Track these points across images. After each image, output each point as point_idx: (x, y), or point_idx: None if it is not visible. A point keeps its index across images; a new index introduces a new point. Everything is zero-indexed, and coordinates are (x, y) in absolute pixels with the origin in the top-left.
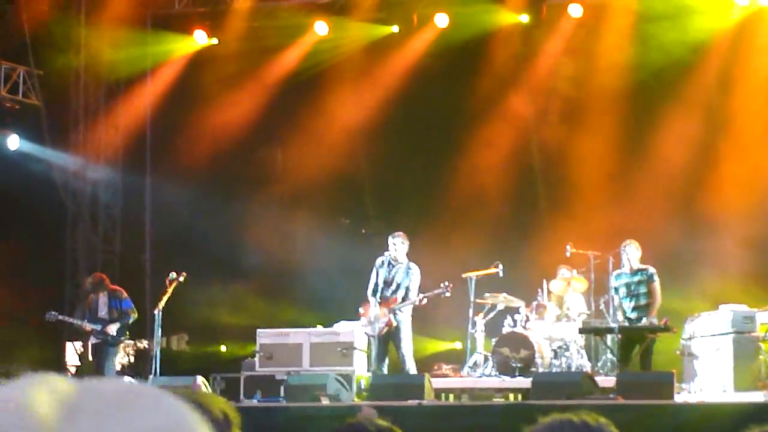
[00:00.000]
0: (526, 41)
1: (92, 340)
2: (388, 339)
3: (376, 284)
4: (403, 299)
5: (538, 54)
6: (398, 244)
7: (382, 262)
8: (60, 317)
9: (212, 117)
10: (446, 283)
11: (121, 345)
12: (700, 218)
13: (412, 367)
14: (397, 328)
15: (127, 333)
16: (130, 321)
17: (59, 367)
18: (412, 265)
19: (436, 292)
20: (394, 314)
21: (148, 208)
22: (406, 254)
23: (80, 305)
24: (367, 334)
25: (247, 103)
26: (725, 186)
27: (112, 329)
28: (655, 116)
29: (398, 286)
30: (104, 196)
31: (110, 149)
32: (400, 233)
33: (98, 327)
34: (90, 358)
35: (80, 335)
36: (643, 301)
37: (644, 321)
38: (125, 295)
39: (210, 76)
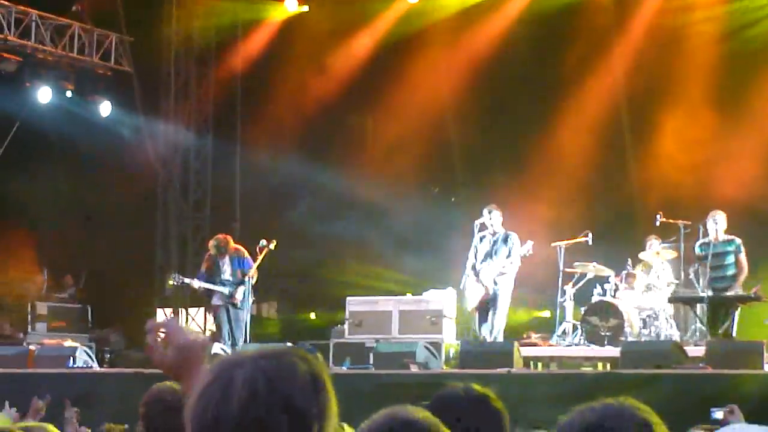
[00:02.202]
0: (617, 11)
1: (215, 302)
2: (488, 306)
3: (476, 258)
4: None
5: (627, 24)
6: (494, 216)
7: (481, 238)
8: (186, 280)
9: (302, 84)
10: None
11: (246, 309)
12: None
13: (499, 337)
14: (495, 296)
15: (251, 296)
16: (249, 283)
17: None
18: (510, 233)
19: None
20: (495, 283)
21: (238, 175)
22: (502, 224)
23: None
24: (470, 309)
25: (338, 71)
26: None
27: (238, 295)
28: (746, 86)
29: (497, 255)
30: (195, 162)
31: (201, 116)
32: (493, 204)
33: (227, 290)
34: (213, 322)
35: (171, 302)
36: (729, 272)
37: (730, 291)
38: (247, 254)
39: (300, 43)
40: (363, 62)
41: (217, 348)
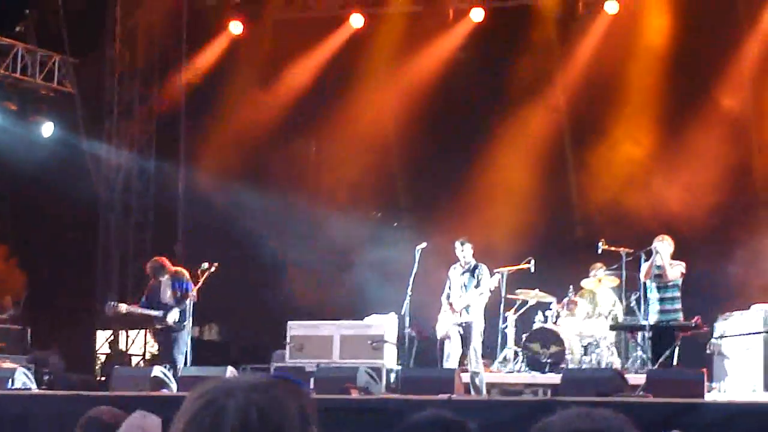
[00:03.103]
0: (561, 36)
1: (156, 324)
2: (460, 337)
3: (450, 289)
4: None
5: (572, 49)
6: (465, 248)
7: (453, 268)
8: (128, 309)
9: (247, 108)
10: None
11: (186, 330)
12: (734, 215)
13: (479, 365)
14: (468, 326)
15: (191, 318)
16: (190, 304)
17: (90, 355)
18: (480, 264)
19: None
20: (467, 313)
21: (180, 197)
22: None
23: (110, 294)
24: (439, 337)
25: (282, 95)
26: (758, 180)
27: (170, 318)
28: (689, 110)
29: (466, 287)
30: (137, 184)
31: (144, 138)
32: (464, 237)
33: (160, 314)
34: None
35: (111, 323)
36: (675, 299)
37: (675, 319)
38: (187, 275)
39: (244, 66)
40: (307, 86)
41: (157, 371)
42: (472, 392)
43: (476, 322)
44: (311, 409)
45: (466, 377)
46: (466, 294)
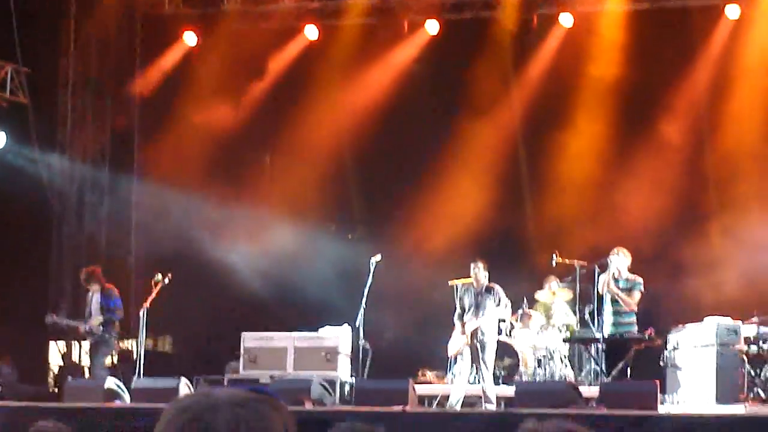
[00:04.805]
0: (516, 49)
1: (90, 340)
2: (474, 355)
3: (463, 309)
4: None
5: (527, 62)
6: (479, 270)
7: (465, 289)
8: (56, 320)
9: (200, 119)
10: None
11: (111, 343)
12: (688, 228)
13: (491, 383)
14: (483, 345)
15: (116, 331)
16: (116, 318)
17: (42, 366)
18: (494, 285)
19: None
20: (483, 333)
21: (133, 209)
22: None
23: (64, 305)
24: (450, 355)
25: (236, 106)
26: (711, 195)
27: (94, 322)
28: (643, 124)
29: (484, 308)
30: (90, 196)
31: (97, 148)
32: (479, 259)
33: (86, 326)
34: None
35: (65, 334)
36: (629, 312)
37: (629, 330)
38: (115, 293)
39: (199, 78)
40: (261, 97)
41: (110, 382)
42: (484, 405)
43: (489, 341)
44: (291, 426)
45: (420, 389)
46: (486, 314)
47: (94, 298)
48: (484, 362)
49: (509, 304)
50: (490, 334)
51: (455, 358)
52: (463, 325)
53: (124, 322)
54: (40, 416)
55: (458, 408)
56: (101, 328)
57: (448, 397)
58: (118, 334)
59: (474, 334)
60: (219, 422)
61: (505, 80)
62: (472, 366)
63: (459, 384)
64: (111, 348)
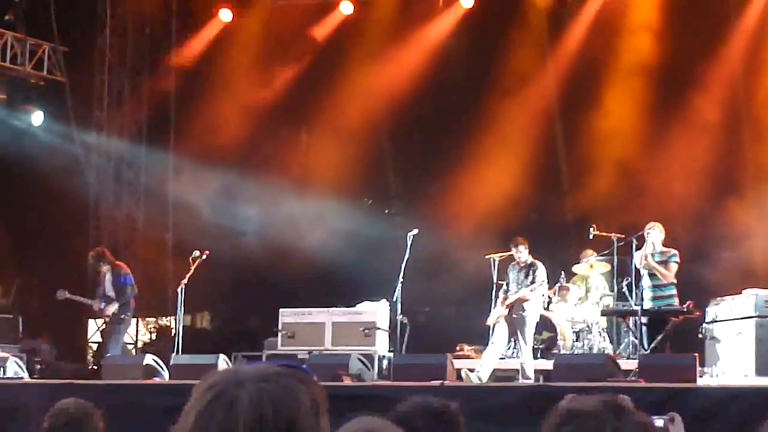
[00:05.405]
0: (551, 21)
1: (106, 320)
2: (512, 329)
3: (508, 285)
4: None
5: (562, 34)
6: (520, 249)
7: (512, 266)
8: (68, 296)
9: (237, 95)
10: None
11: (125, 323)
12: (726, 202)
13: (529, 358)
14: (522, 320)
15: (131, 311)
16: (129, 298)
17: (81, 343)
18: (537, 263)
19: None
20: (523, 309)
21: (171, 186)
22: (529, 254)
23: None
24: (490, 323)
25: (272, 82)
26: (750, 168)
27: (109, 310)
28: (681, 97)
29: (521, 284)
30: (127, 173)
31: (134, 127)
32: (518, 240)
33: (101, 304)
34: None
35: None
36: (667, 285)
37: (667, 304)
38: (125, 270)
39: (235, 54)
40: (298, 73)
41: (149, 359)
42: (521, 380)
43: (530, 317)
44: (322, 399)
45: (458, 363)
46: (520, 290)
47: (107, 278)
48: (524, 337)
49: (545, 281)
50: (531, 309)
51: (493, 327)
52: (505, 299)
53: (163, 299)
54: (79, 394)
55: (485, 378)
56: (116, 310)
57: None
58: (132, 312)
59: (513, 307)
60: (243, 397)
61: (540, 54)
62: (510, 340)
63: (490, 354)
64: (127, 327)
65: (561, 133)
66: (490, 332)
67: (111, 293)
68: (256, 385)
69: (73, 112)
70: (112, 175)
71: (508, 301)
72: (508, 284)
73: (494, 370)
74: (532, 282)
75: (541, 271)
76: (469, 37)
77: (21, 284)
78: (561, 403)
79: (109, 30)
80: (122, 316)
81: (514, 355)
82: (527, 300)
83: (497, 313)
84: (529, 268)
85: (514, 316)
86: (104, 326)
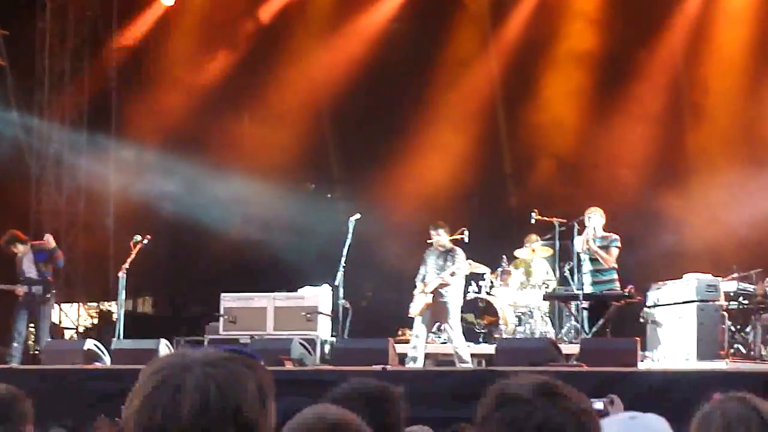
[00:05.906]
0: (494, 8)
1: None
2: (437, 316)
3: (426, 272)
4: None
5: (504, 20)
6: (440, 233)
7: (430, 251)
8: None
9: (179, 79)
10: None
11: (50, 302)
12: (666, 187)
13: (461, 343)
14: (445, 307)
15: (53, 291)
16: (50, 273)
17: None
18: (456, 248)
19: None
20: (442, 296)
21: (112, 171)
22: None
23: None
24: (411, 315)
25: (215, 66)
26: (690, 155)
27: (38, 290)
28: (623, 84)
29: (442, 269)
30: (69, 158)
31: (76, 111)
32: (440, 222)
33: (26, 289)
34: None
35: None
36: (607, 270)
37: (607, 288)
38: (46, 245)
39: (177, 37)
40: (241, 57)
41: (90, 344)
42: (458, 364)
43: (452, 303)
44: (269, 385)
45: (399, 348)
46: (439, 275)
47: (25, 258)
48: (450, 325)
49: (462, 268)
50: (452, 295)
51: (417, 319)
52: (425, 286)
53: (104, 284)
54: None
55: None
56: (41, 294)
57: (428, 355)
58: (54, 294)
59: (435, 296)
60: (189, 381)
61: (482, 40)
62: (434, 328)
63: (417, 346)
64: (52, 308)
65: (503, 118)
66: (415, 323)
67: (32, 273)
68: (203, 369)
69: (13, 96)
70: (53, 160)
71: (428, 289)
72: (425, 270)
73: (436, 354)
74: (451, 266)
75: (461, 256)
76: (411, 22)
77: None
78: (493, 386)
79: (50, 13)
80: (47, 295)
81: (447, 341)
82: (447, 285)
83: (421, 302)
84: (447, 253)
85: (436, 304)
86: (32, 309)
